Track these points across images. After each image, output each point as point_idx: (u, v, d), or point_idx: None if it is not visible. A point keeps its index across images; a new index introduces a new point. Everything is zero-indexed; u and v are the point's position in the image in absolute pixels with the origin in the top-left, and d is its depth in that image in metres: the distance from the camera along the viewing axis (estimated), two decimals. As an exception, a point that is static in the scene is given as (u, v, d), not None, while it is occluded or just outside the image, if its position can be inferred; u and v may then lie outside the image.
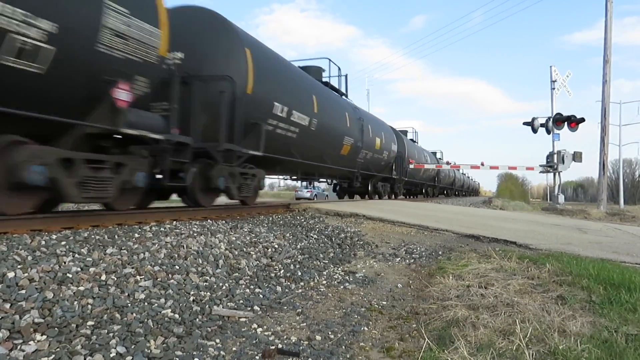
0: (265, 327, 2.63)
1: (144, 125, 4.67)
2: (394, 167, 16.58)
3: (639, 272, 3.68)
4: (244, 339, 2.43)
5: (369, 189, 15.03)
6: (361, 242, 5.77)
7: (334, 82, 12.00)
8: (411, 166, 19.05)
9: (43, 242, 3.14)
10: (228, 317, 2.75)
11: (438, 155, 29.92)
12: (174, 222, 4.92)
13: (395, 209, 9.87)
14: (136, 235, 3.86)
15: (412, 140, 22.58)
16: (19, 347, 1.97)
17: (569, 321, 2.50)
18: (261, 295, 3.25)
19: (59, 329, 2.17)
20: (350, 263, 4.71)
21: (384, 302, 3.25)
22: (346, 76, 12.68)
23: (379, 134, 14.08)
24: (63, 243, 3.19)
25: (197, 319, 2.65)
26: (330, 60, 11.94)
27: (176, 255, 3.49)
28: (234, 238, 4.48)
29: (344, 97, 12.35)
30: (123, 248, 3.33)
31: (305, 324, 2.72)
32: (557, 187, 17.91)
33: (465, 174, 42.67)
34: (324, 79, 11.45)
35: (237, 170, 6.80)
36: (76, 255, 2.96)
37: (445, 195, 33.64)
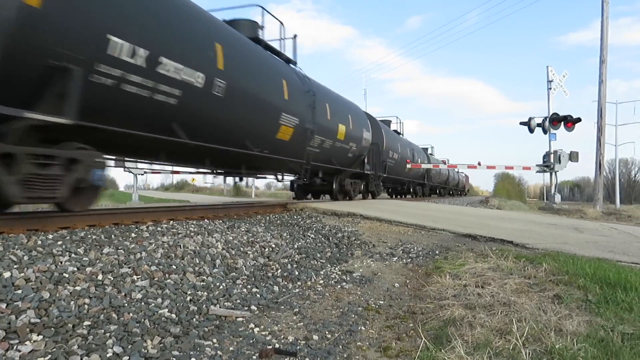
0: (262, 326, 2.63)
1: None
2: (366, 161, 13.15)
3: (635, 271, 3.70)
4: (241, 338, 2.42)
5: (334, 187, 11.89)
6: (358, 242, 5.78)
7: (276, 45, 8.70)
8: (408, 166, 18.77)
9: (39, 242, 3.13)
10: (225, 317, 2.75)
11: (429, 151, 27.31)
12: (171, 221, 4.91)
13: (392, 209, 9.89)
14: (133, 234, 3.85)
15: (395, 131, 19.59)
16: (15, 347, 1.96)
17: (566, 320, 2.50)
18: (258, 295, 3.25)
19: (56, 329, 2.16)
20: (348, 262, 4.71)
21: (381, 302, 3.26)
22: (294, 37, 9.25)
23: (343, 117, 10.84)
24: (59, 243, 3.18)
25: (194, 319, 2.65)
26: (263, 8, 8.30)
27: (173, 254, 3.48)
28: (231, 238, 4.47)
29: (291, 65, 9.11)
30: (120, 248, 3.32)
31: (302, 323, 2.71)
32: (553, 187, 17.96)
33: (460, 172, 41.91)
34: (270, 41, 8.44)
35: (19, 150, 3.67)
36: (72, 255, 2.95)
37: (438, 194, 31.23)
